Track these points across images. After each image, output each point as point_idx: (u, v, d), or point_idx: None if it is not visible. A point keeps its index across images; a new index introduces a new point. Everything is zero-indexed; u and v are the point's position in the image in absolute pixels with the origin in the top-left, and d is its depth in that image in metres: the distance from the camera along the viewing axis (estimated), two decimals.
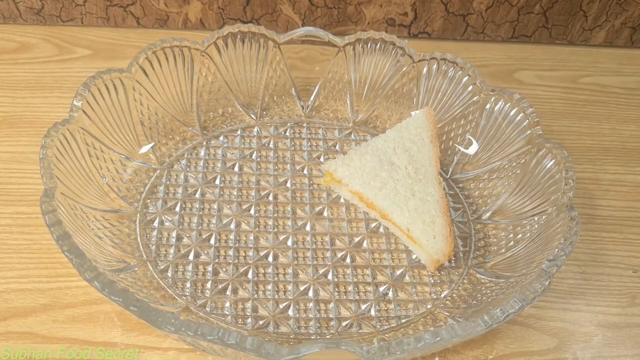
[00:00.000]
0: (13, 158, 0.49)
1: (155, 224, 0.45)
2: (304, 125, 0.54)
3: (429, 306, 0.42)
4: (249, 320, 0.40)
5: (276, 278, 0.42)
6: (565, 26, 0.66)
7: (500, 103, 0.49)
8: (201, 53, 0.50)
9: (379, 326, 0.40)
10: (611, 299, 0.45)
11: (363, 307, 0.42)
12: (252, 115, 0.54)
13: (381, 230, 0.47)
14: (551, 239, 0.41)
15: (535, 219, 0.44)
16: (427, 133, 0.50)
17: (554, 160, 0.44)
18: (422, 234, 0.43)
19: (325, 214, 0.47)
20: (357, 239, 0.46)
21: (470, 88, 0.50)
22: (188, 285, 0.41)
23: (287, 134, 0.53)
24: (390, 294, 0.42)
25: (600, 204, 0.51)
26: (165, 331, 0.32)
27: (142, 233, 0.44)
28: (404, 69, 0.53)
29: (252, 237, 0.45)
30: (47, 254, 0.43)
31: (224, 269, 0.42)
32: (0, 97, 0.54)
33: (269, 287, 0.42)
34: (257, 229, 0.45)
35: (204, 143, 0.51)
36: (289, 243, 0.45)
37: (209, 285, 0.41)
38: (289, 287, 0.42)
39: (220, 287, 0.41)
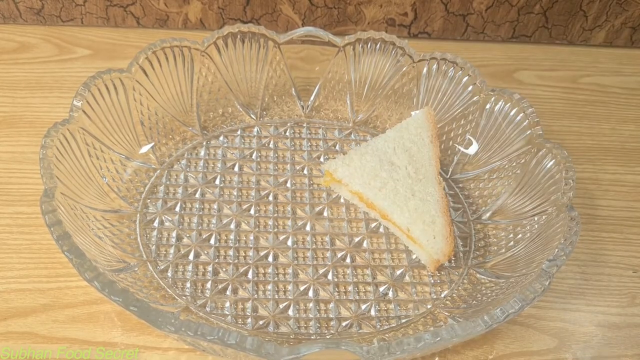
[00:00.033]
0: (13, 158, 0.49)
1: (155, 224, 0.45)
2: (304, 125, 0.54)
3: (429, 306, 0.42)
4: (249, 320, 0.40)
5: (276, 278, 0.42)
6: (565, 26, 0.66)
7: (500, 103, 0.49)
8: (201, 53, 0.50)
9: (379, 326, 0.40)
10: (611, 299, 0.45)
11: (363, 307, 0.42)
12: (252, 115, 0.54)
13: (381, 230, 0.47)
14: (551, 239, 0.41)
15: (535, 219, 0.44)
16: (427, 133, 0.50)
17: (554, 160, 0.44)
18: (422, 234, 0.43)
19: (325, 214, 0.47)
20: (357, 239, 0.46)
21: (470, 88, 0.50)
22: (188, 285, 0.41)
23: (287, 134, 0.53)
24: (390, 294, 0.42)
25: (600, 204, 0.51)
26: (165, 331, 0.32)
27: (142, 233, 0.44)
28: (404, 69, 0.53)
29: (252, 237, 0.45)
30: (47, 254, 0.43)
31: (224, 269, 0.42)
32: (0, 97, 0.54)
33: (269, 287, 0.42)
34: (257, 229, 0.45)
35: (204, 143, 0.51)
36: (289, 243, 0.45)
37: (209, 285, 0.41)
38: (289, 287, 0.42)
39: (220, 287, 0.41)
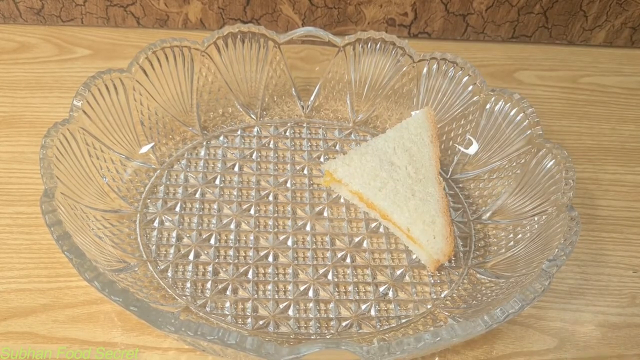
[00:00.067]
0: (13, 158, 0.49)
1: (155, 224, 0.45)
2: (304, 125, 0.54)
3: (429, 306, 0.42)
4: (249, 320, 0.40)
5: (276, 278, 0.42)
6: (565, 26, 0.66)
7: (500, 103, 0.49)
8: (201, 53, 0.50)
9: (379, 326, 0.40)
10: (611, 299, 0.45)
11: (363, 307, 0.42)
12: (252, 115, 0.54)
13: (381, 230, 0.47)
14: (551, 239, 0.41)
15: (535, 219, 0.44)
16: (427, 133, 0.50)
17: (554, 160, 0.44)
18: (422, 234, 0.43)
19: (325, 214, 0.47)
20: (357, 239, 0.46)
21: (470, 88, 0.50)
22: (188, 285, 0.41)
23: (287, 134, 0.53)
24: (390, 294, 0.42)
25: (600, 204, 0.51)
26: (165, 331, 0.32)
27: (142, 233, 0.44)
28: (404, 69, 0.53)
29: (252, 237, 0.45)
30: (47, 254, 0.43)
31: (224, 269, 0.42)
32: (0, 97, 0.54)
33: (269, 287, 0.42)
34: (257, 229, 0.45)
35: (204, 143, 0.51)
36: (289, 243, 0.45)
37: (209, 285, 0.41)
38: (289, 287, 0.42)
39: (220, 287, 0.41)
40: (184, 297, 0.40)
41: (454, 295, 0.43)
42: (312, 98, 0.55)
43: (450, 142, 0.52)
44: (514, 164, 0.48)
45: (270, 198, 0.48)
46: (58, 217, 0.36)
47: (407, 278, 0.44)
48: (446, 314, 0.41)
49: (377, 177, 0.46)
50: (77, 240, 0.35)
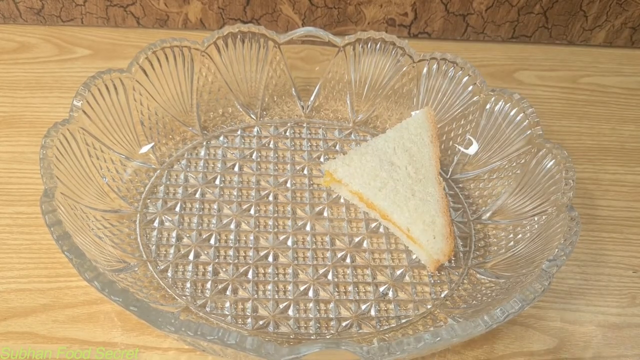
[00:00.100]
0: (13, 158, 0.49)
1: (155, 224, 0.45)
2: (304, 125, 0.54)
3: (429, 306, 0.42)
4: (249, 320, 0.40)
5: (276, 278, 0.42)
6: (565, 26, 0.66)
7: (500, 103, 0.49)
8: (201, 53, 0.50)
9: (379, 326, 0.40)
10: (611, 299, 0.45)
11: (363, 307, 0.42)
12: (252, 115, 0.54)
13: (381, 230, 0.47)
14: (551, 239, 0.41)
15: (535, 219, 0.44)
16: (427, 133, 0.50)
17: (554, 161, 0.44)
18: (422, 234, 0.43)
19: (325, 214, 0.47)
20: (357, 239, 0.46)
21: (470, 88, 0.50)
22: (188, 285, 0.41)
23: (287, 134, 0.53)
24: (390, 294, 0.42)
25: (600, 204, 0.51)
26: (165, 331, 0.32)
27: (142, 233, 0.44)
28: (404, 69, 0.53)
29: (252, 237, 0.45)
30: (47, 254, 0.43)
31: (224, 269, 0.42)
32: (0, 97, 0.54)
33: (269, 287, 0.42)
34: (257, 229, 0.45)
35: (204, 143, 0.51)
36: (289, 243, 0.45)
37: (209, 285, 0.41)
38: (289, 287, 0.42)
39: (220, 287, 0.41)
40: (184, 297, 0.40)
41: (454, 295, 0.43)
42: (312, 98, 0.55)
43: (450, 142, 0.52)
44: (514, 164, 0.48)
45: (270, 198, 0.48)
46: (58, 217, 0.36)
47: (407, 278, 0.44)
48: (446, 314, 0.41)
49: (377, 177, 0.46)
50: (77, 240, 0.35)
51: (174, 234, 0.44)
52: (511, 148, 0.48)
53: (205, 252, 0.43)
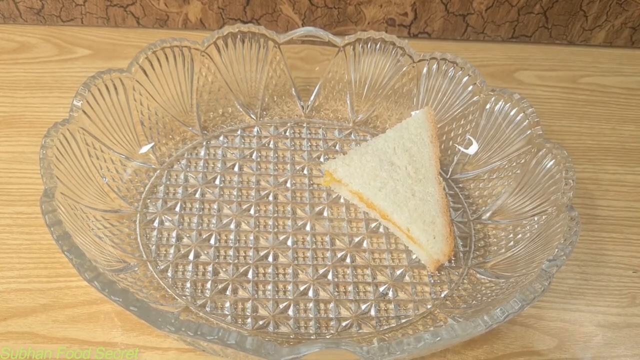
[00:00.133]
0: (13, 158, 0.49)
1: (155, 224, 0.45)
2: (304, 125, 0.54)
3: (429, 306, 0.42)
4: (249, 320, 0.40)
5: (276, 278, 0.42)
6: (565, 26, 0.66)
7: (500, 103, 0.49)
8: (201, 53, 0.50)
9: (378, 326, 0.40)
10: (611, 299, 0.45)
11: (363, 307, 0.42)
12: (252, 115, 0.54)
13: (381, 230, 0.47)
14: (551, 239, 0.41)
15: (535, 219, 0.44)
16: (427, 133, 0.50)
17: (554, 160, 0.44)
18: (422, 234, 0.43)
19: (325, 214, 0.47)
20: (357, 239, 0.46)
21: (470, 88, 0.50)
22: (188, 285, 0.41)
23: (287, 134, 0.53)
24: (390, 294, 0.42)
25: (600, 204, 0.51)
26: (165, 331, 0.32)
27: (142, 233, 0.44)
28: (404, 69, 0.53)
29: (252, 237, 0.45)
30: (47, 254, 0.43)
31: (224, 269, 0.42)
32: (0, 97, 0.54)
33: (269, 287, 0.42)
34: (257, 229, 0.45)
35: (204, 143, 0.51)
36: (289, 243, 0.45)
37: (209, 285, 0.41)
38: (289, 287, 0.42)
39: (220, 287, 0.41)
40: (184, 297, 0.40)
41: (454, 295, 0.43)
42: (312, 98, 0.55)
43: (450, 142, 0.52)
44: (514, 164, 0.48)
45: (270, 198, 0.48)
46: (58, 217, 0.36)
47: (407, 278, 0.44)
48: (446, 314, 0.41)
49: (377, 177, 0.46)
50: (77, 240, 0.35)
51: (174, 234, 0.44)
52: (511, 148, 0.48)
53: (205, 252, 0.43)
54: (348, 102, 0.55)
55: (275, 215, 0.47)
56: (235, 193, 0.48)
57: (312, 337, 0.39)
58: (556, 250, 0.38)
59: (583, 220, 0.47)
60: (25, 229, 0.44)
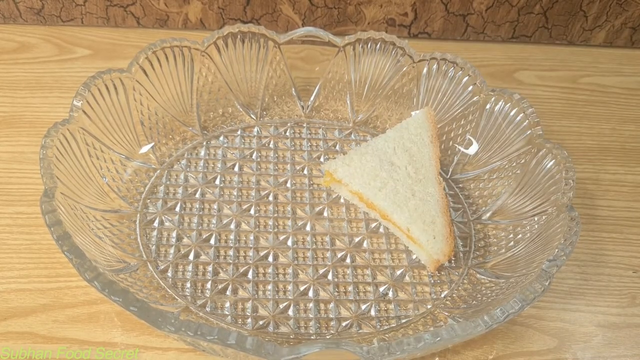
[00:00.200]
0: (13, 158, 0.49)
1: (155, 224, 0.45)
2: (304, 125, 0.54)
3: (429, 306, 0.42)
4: (249, 320, 0.40)
5: (276, 278, 0.42)
6: (565, 26, 0.66)
7: (500, 103, 0.49)
8: (201, 53, 0.50)
9: (379, 326, 0.40)
10: (611, 299, 0.45)
11: (363, 307, 0.42)
12: (252, 115, 0.54)
13: (381, 230, 0.47)
14: (551, 239, 0.41)
15: (535, 219, 0.44)
16: (427, 133, 0.50)
17: (554, 161, 0.44)
18: (422, 234, 0.43)
19: (325, 214, 0.47)
20: (357, 239, 0.46)
21: (470, 88, 0.50)
22: (188, 285, 0.41)
23: (287, 134, 0.53)
24: (390, 294, 0.42)
25: (600, 204, 0.51)
26: (165, 331, 0.32)
27: (142, 233, 0.44)
28: (404, 69, 0.53)
29: (252, 237, 0.45)
30: (47, 254, 0.43)
31: (224, 269, 0.42)
32: (0, 97, 0.54)
33: (269, 287, 0.42)
34: (257, 229, 0.45)
35: (204, 143, 0.51)
36: (289, 243, 0.45)
37: (209, 285, 0.41)
38: (289, 287, 0.42)
39: (220, 287, 0.41)
40: (184, 297, 0.40)
41: (454, 295, 0.43)
42: (312, 98, 0.55)
43: (450, 142, 0.52)
44: (514, 164, 0.48)
45: (270, 198, 0.48)
46: (58, 217, 0.36)
47: (407, 278, 0.44)
48: (446, 314, 0.41)
49: (377, 177, 0.46)
50: (77, 240, 0.35)
51: (174, 234, 0.44)
52: (511, 148, 0.48)
53: (205, 252, 0.43)
54: (348, 102, 0.55)
55: (275, 215, 0.47)
56: (235, 193, 0.48)
57: (312, 337, 0.39)
58: (556, 250, 0.38)
59: (583, 220, 0.48)
60: (25, 229, 0.44)
